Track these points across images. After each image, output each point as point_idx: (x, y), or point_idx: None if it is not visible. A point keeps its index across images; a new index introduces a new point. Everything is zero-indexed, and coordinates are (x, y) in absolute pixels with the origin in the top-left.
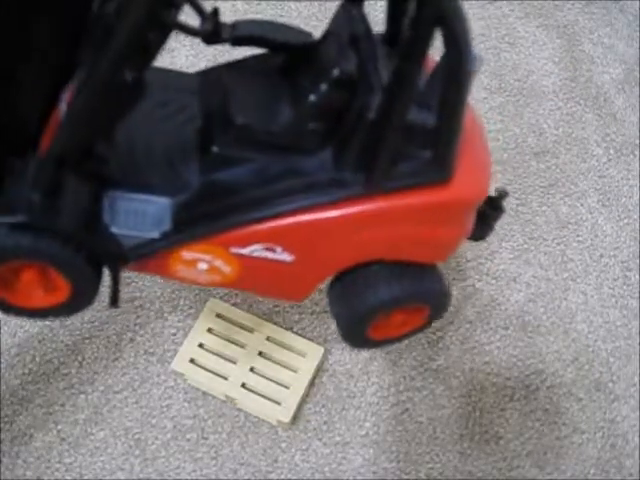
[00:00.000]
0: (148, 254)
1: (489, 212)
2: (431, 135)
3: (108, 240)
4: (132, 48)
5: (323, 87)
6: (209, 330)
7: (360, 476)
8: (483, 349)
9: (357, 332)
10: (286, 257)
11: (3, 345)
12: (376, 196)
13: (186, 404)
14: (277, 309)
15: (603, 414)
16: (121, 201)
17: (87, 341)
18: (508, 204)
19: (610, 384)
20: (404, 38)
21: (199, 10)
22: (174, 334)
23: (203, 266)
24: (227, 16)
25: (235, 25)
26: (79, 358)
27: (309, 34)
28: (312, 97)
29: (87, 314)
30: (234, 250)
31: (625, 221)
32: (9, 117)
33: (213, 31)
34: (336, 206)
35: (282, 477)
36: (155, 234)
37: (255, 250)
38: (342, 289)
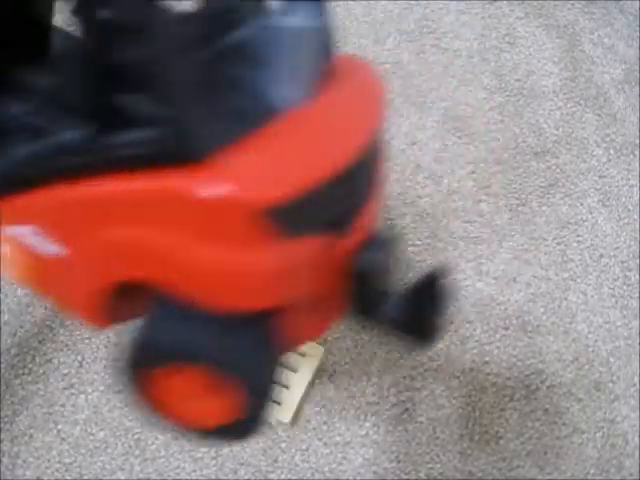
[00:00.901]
0: None
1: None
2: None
3: None
4: None
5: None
6: None
7: (360, 476)
8: (483, 349)
9: (128, 376)
10: (56, 249)
11: (3, 345)
12: (103, 173)
13: None
14: None
15: (603, 414)
16: None
17: (87, 341)
18: (508, 204)
19: (610, 384)
20: None
21: None
22: None
23: (4, 249)
24: None
25: None
26: (79, 358)
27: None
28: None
29: None
30: (9, 232)
31: (625, 221)
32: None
33: None
34: (62, 176)
35: (282, 477)
36: None
37: (23, 233)
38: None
